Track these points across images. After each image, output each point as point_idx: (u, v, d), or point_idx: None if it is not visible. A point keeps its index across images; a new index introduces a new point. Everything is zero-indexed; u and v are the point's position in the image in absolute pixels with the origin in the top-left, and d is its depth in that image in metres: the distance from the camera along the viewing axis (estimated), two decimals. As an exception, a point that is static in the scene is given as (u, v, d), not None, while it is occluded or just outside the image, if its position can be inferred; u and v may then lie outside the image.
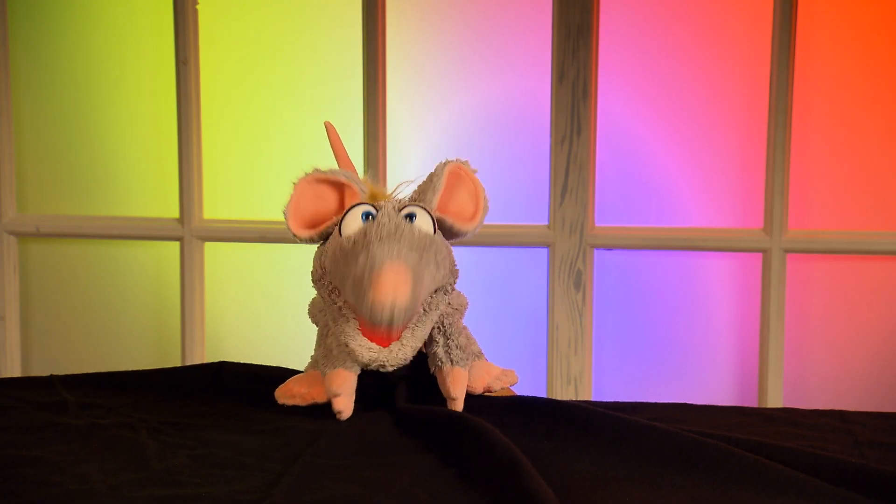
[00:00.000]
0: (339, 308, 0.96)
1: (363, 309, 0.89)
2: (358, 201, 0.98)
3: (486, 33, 1.66)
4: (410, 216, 0.94)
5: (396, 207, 0.95)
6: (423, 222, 0.95)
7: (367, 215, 0.94)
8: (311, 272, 1.01)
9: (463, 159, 1.01)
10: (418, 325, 0.96)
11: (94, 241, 1.78)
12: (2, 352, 1.73)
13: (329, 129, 1.11)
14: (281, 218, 0.99)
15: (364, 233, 0.91)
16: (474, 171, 1.02)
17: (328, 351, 1.02)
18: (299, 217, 0.99)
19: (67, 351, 1.81)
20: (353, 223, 0.94)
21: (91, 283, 1.80)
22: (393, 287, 0.86)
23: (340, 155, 1.11)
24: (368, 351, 0.95)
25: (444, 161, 1.00)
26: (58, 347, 1.81)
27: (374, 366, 0.97)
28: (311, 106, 1.71)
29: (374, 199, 0.99)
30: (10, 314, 1.74)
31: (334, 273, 0.95)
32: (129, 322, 1.79)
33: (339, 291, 0.95)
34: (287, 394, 1.05)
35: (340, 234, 0.94)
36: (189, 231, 1.68)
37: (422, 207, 0.96)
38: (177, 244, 1.70)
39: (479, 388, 1.07)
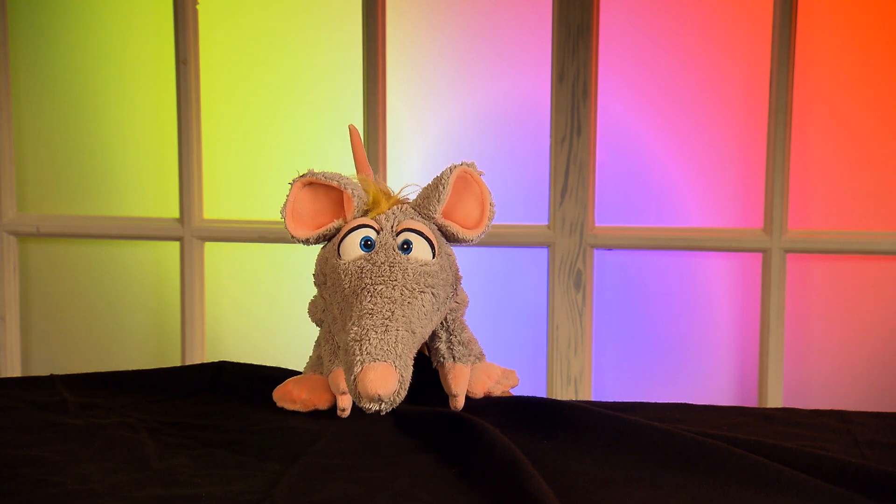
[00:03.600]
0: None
1: (349, 388, 0.87)
2: (353, 208, 0.97)
3: (486, 33, 1.66)
4: (407, 244, 0.94)
5: (395, 231, 0.94)
6: (420, 251, 0.94)
7: (365, 242, 0.94)
8: (314, 275, 1.01)
9: (469, 162, 1.00)
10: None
11: (94, 241, 1.78)
12: (2, 352, 1.73)
13: (352, 131, 1.10)
14: (281, 218, 0.99)
15: (360, 273, 0.91)
16: (481, 174, 1.01)
17: (336, 347, 1.02)
18: (297, 218, 0.99)
19: (67, 351, 1.81)
20: (352, 250, 0.94)
21: (91, 283, 1.80)
22: (381, 386, 0.83)
23: (359, 158, 1.10)
24: None
25: (451, 166, 0.98)
26: (58, 347, 1.81)
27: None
28: (311, 106, 1.71)
29: (376, 203, 0.98)
30: (10, 314, 1.74)
31: (332, 291, 0.95)
32: (129, 322, 1.79)
33: (338, 315, 0.95)
34: (286, 397, 1.05)
35: (339, 254, 0.94)
36: (189, 231, 1.68)
37: (418, 232, 0.95)
38: (177, 244, 1.70)
39: (479, 393, 1.07)
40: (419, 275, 0.92)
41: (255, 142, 1.73)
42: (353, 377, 0.84)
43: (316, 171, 0.99)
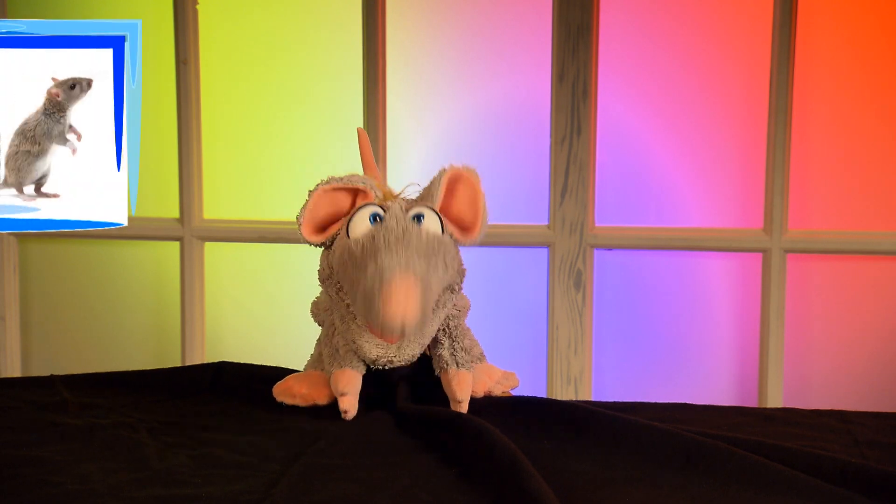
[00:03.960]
0: (347, 306, 0.96)
1: (373, 322, 0.89)
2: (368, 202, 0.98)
3: (486, 33, 1.66)
4: (418, 217, 0.94)
5: (404, 208, 0.95)
6: (431, 223, 0.95)
7: (374, 217, 0.94)
8: (319, 271, 1.01)
9: (470, 166, 1.00)
10: (426, 322, 0.97)
11: (94, 241, 1.78)
12: (2, 352, 1.73)
13: (360, 134, 1.10)
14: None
15: (372, 237, 0.91)
16: (477, 179, 1.01)
17: (335, 350, 1.02)
18: (312, 223, 0.98)
19: (67, 351, 1.81)
20: (361, 225, 0.94)
21: (91, 283, 1.80)
22: (403, 302, 0.86)
23: (368, 161, 1.10)
24: (376, 347, 0.97)
25: (445, 167, 0.99)
26: (58, 347, 1.81)
27: (381, 362, 0.98)
28: (311, 106, 1.71)
29: (384, 200, 0.99)
30: (10, 314, 1.74)
31: (342, 274, 0.95)
32: (129, 322, 1.79)
33: (347, 291, 0.96)
34: (287, 392, 1.05)
35: (348, 236, 0.94)
36: (189, 231, 1.68)
37: (429, 207, 0.96)
38: (177, 244, 1.70)
39: (480, 392, 1.07)
40: (431, 241, 0.92)
41: (255, 142, 1.73)
42: (377, 295, 0.86)
43: (337, 176, 0.98)
